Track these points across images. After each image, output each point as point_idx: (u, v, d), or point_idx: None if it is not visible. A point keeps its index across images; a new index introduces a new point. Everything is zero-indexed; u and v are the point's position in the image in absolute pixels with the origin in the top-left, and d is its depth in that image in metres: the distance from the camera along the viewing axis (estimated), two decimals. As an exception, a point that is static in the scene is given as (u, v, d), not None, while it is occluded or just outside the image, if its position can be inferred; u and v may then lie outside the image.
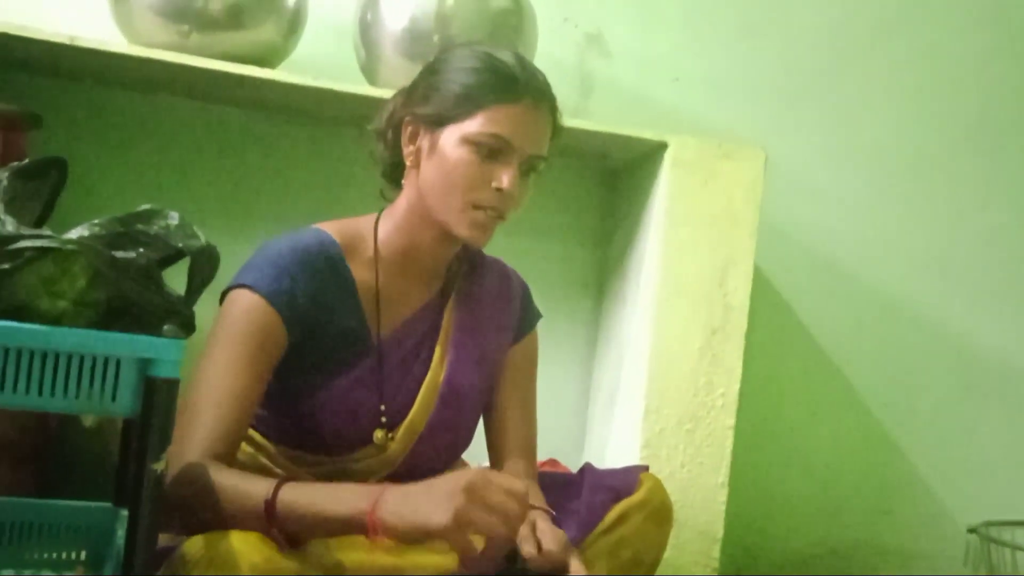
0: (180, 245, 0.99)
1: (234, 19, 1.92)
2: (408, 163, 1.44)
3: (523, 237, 2.29)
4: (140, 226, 0.98)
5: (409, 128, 1.44)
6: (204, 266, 1.01)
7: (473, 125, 1.37)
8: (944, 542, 2.63)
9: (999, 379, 2.72)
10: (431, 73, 1.45)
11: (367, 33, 2.04)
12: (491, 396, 1.58)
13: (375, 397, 1.44)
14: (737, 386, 2.08)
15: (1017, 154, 2.72)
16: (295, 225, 1.46)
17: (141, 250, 0.97)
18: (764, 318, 2.39)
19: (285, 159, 2.25)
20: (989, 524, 2.42)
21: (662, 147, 2.09)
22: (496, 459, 1.60)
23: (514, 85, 1.38)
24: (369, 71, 2.06)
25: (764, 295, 2.41)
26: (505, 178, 1.37)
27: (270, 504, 1.16)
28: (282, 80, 1.92)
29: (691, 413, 2.06)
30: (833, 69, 2.60)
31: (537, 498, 1.49)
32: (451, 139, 1.38)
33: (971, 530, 2.37)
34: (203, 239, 1.01)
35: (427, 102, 1.41)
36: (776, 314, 2.54)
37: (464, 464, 1.65)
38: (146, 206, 1.02)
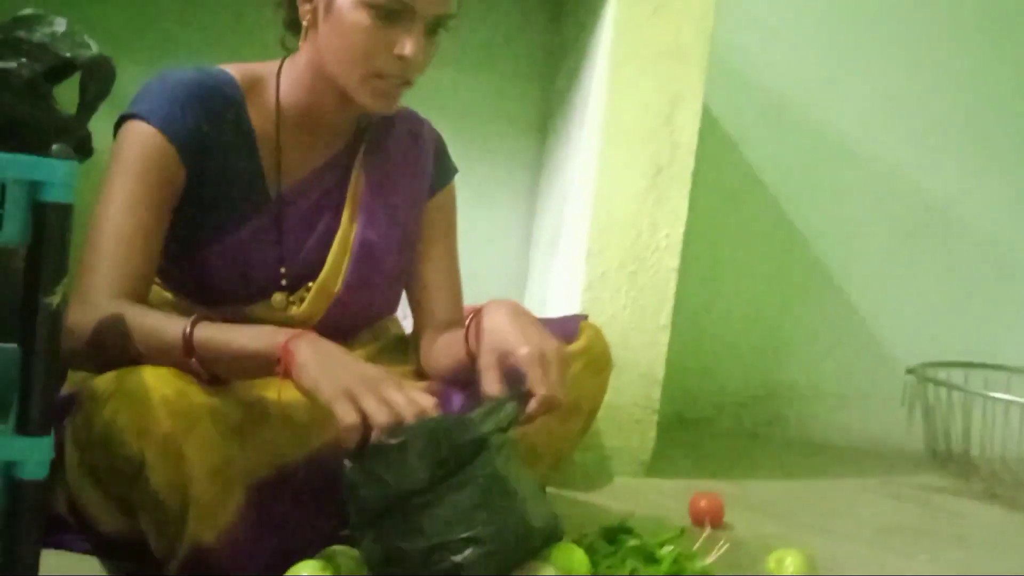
0: (68, 55, 0.88)
1: None
2: (304, 23, 1.32)
3: (457, 68, 2.15)
4: (21, 32, 0.86)
5: None
6: (97, 79, 0.90)
7: None
8: (881, 383, 2.64)
9: (943, 224, 2.70)
10: None
11: None
12: (411, 254, 1.51)
13: (273, 255, 1.37)
14: (682, 228, 2.02)
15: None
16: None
17: (23, 60, 0.85)
18: (711, 158, 2.31)
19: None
20: (927, 365, 2.43)
21: (609, -27, 1.97)
22: (421, 317, 1.54)
23: None
24: None
25: (712, 134, 2.33)
26: (408, 44, 1.26)
27: (187, 337, 1.14)
28: None
29: (634, 255, 2.00)
30: None
31: None
32: (347, 0, 1.26)
33: (909, 371, 2.39)
34: (95, 48, 0.90)
35: None
36: (723, 154, 2.48)
37: (394, 322, 1.59)
38: (27, 11, 0.90)
